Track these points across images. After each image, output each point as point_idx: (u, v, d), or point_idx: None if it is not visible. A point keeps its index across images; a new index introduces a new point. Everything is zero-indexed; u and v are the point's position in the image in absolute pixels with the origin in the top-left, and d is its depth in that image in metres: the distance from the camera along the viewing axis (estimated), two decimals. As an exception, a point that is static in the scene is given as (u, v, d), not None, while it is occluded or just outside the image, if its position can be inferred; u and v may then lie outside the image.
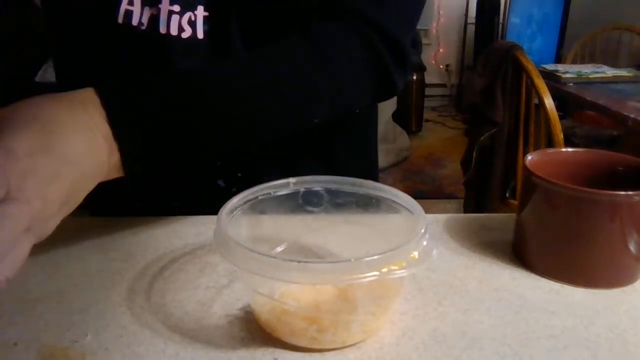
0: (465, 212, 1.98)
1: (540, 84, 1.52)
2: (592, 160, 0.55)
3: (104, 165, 0.42)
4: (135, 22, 0.55)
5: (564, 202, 0.47)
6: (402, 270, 0.36)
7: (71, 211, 0.40)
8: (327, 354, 0.40)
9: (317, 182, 0.48)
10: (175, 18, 0.55)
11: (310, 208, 0.48)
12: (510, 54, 1.62)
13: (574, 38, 2.89)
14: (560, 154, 0.57)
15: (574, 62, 2.78)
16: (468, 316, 0.44)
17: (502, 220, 0.61)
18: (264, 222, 0.48)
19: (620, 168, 0.54)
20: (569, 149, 0.57)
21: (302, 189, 0.48)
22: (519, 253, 0.53)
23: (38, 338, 0.41)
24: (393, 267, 0.36)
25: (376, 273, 0.35)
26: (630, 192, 0.45)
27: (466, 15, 4.42)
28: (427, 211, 0.43)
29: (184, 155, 0.48)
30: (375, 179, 0.73)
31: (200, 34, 0.56)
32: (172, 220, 0.60)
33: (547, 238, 0.50)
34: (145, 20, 0.55)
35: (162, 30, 0.55)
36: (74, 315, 0.44)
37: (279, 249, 0.49)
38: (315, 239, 0.50)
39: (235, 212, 0.43)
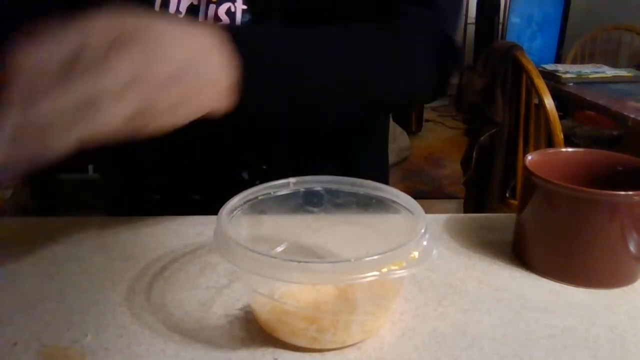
0: (465, 212, 1.98)
1: (540, 84, 1.52)
2: (592, 160, 0.55)
3: (222, 83, 0.40)
4: (172, 10, 0.56)
5: (564, 202, 0.47)
6: (402, 270, 0.36)
7: (187, 118, 0.38)
8: (327, 354, 0.40)
9: (317, 182, 0.48)
10: (212, 8, 0.57)
11: (310, 208, 0.49)
12: (510, 54, 1.62)
13: (574, 38, 2.89)
14: (560, 154, 0.57)
15: (574, 62, 2.78)
16: (468, 316, 0.44)
17: (502, 220, 0.61)
18: (264, 222, 0.48)
19: (620, 168, 0.54)
20: (569, 149, 0.57)
21: (302, 189, 0.48)
22: (519, 253, 0.53)
23: (38, 338, 0.41)
24: (393, 267, 0.36)
25: (376, 273, 0.35)
26: (630, 192, 0.45)
27: (466, 15, 4.42)
28: (427, 211, 0.43)
29: (295, 105, 0.49)
30: (386, 177, 0.74)
31: None
32: (172, 220, 0.60)
33: (547, 238, 0.50)
34: (183, 8, 0.56)
35: (200, 19, 0.57)
36: (74, 315, 0.44)
37: (279, 249, 0.49)
38: (315, 239, 0.50)
39: (235, 212, 0.43)
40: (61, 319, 0.43)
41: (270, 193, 0.46)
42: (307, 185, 0.48)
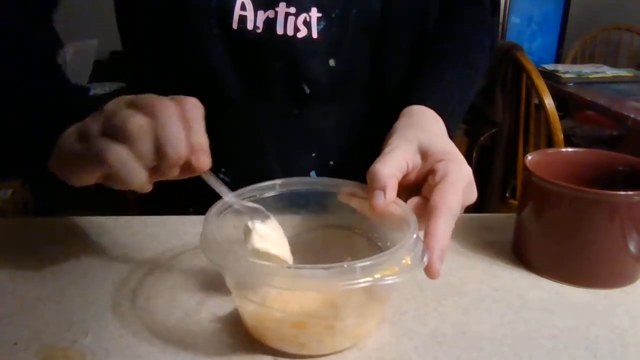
0: (465, 212, 1.97)
1: (540, 84, 1.51)
2: (592, 160, 0.55)
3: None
4: (250, 26, 0.58)
5: (564, 202, 0.47)
6: (395, 277, 0.35)
7: None
8: (326, 353, 0.40)
9: (304, 184, 0.47)
10: (291, 19, 0.59)
11: (296, 210, 0.48)
12: (510, 54, 1.62)
13: (574, 38, 2.89)
14: (560, 154, 0.57)
15: (574, 62, 2.78)
16: (468, 316, 0.44)
17: (502, 220, 0.61)
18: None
19: (620, 168, 0.54)
20: (569, 149, 0.57)
21: (287, 191, 0.47)
22: (519, 253, 0.53)
23: (38, 338, 0.41)
24: (385, 273, 0.35)
25: (369, 279, 0.34)
26: (630, 192, 0.45)
27: (466, 15, 4.41)
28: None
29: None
30: None
31: (314, 34, 0.60)
32: (172, 220, 0.60)
33: (547, 238, 0.50)
34: (260, 23, 0.58)
35: (279, 31, 0.59)
36: (74, 315, 0.44)
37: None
38: (302, 242, 0.49)
39: (222, 214, 0.43)
40: (61, 319, 0.43)
41: (256, 195, 0.46)
42: (293, 188, 0.47)
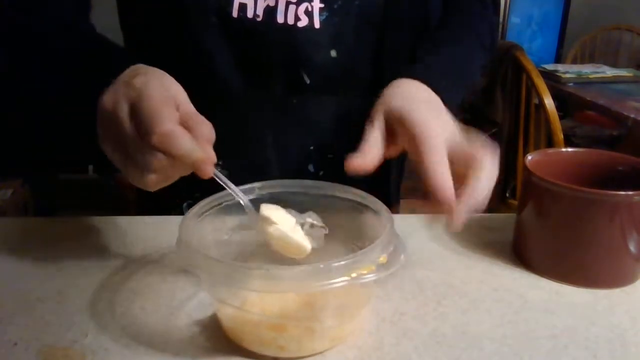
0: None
1: (540, 84, 1.51)
2: (592, 160, 0.55)
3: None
4: (250, 14, 0.58)
5: (564, 202, 0.47)
6: (371, 275, 0.35)
7: None
8: (327, 353, 0.40)
9: (283, 187, 0.47)
10: (292, 8, 0.58)
11: None
12: (510, 54, 1.62)
13: (574, 38, 2.89)
14: (560, 154, 0.57)
15: (574, 62, 2.78)
16: (468, 316, 0.44)
17: (502, 220, 0.61)
18: (230, 227, 0.47)
19: (620, 168, 0.54)
20: (569, 149, 0.57)
21: (267, 194, 0.47)
22: (519, 253, 0.53)
23: (38, 338, 0.41)
24: (362, 272, 0.35)
25: (346, 278, 0.34)
26: (630, 192, 0.45)
27: (466, 15, 4.40)
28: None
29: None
30: (399, 180, 0.75)
31: (317, 24, 0.60)
32: (171, 219, 0.60)
33: (547, 238, 0.50)
34: (260, 11, 0.58)
35: (280, 20, 0.58)
36: (74, 315, 0.44)
37: (245, 256, 0.47)
38: None
39: (200, 218, 0.43)
40: (61, 319, 0.43)
41: (235, 198, 0.45)
42: (272, 190, 0.47)
